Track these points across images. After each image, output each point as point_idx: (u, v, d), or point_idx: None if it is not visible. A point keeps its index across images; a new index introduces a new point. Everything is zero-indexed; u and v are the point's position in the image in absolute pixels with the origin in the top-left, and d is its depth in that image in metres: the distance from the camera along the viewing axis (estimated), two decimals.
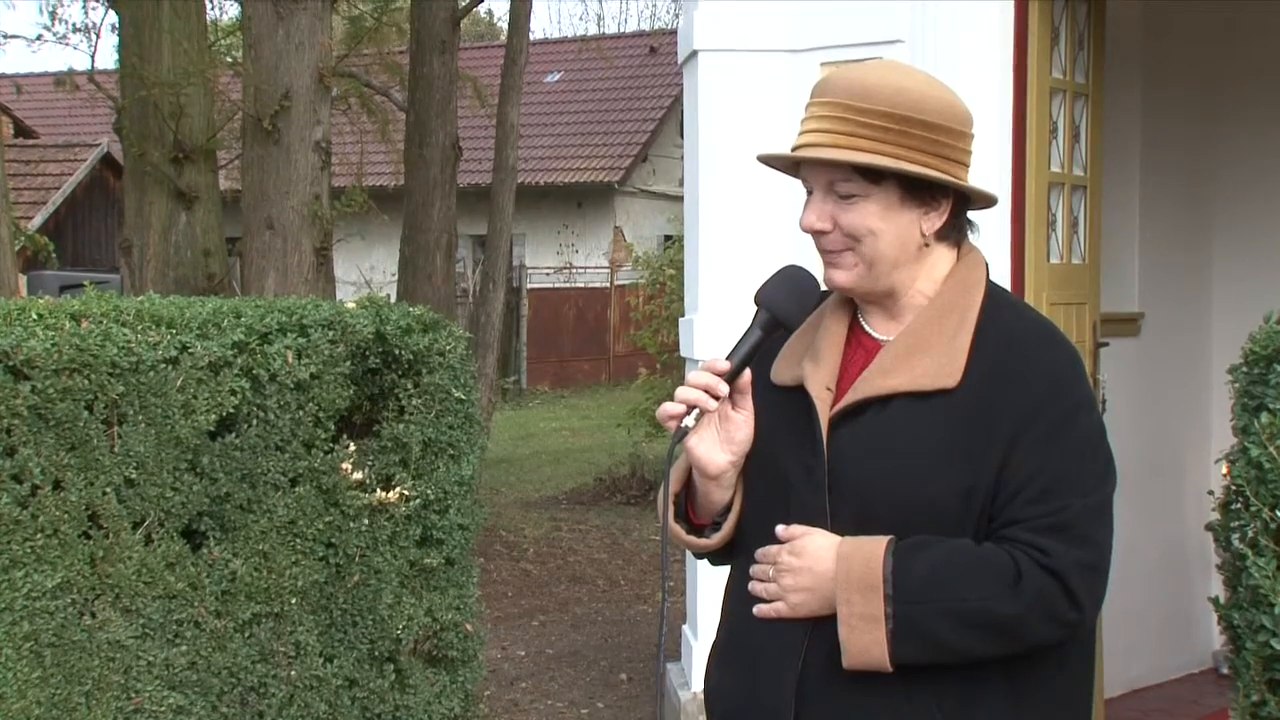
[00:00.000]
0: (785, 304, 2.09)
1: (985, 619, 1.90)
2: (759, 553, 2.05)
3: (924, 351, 2.01)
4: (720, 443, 2.08)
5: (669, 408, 2.03)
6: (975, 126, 2.09)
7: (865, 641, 1.91)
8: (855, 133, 2.00)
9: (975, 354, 1.99)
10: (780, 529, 2.02)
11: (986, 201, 2.10)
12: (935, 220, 2.04)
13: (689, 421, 2.05)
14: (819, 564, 1.97)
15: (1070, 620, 1.93)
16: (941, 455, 1.95)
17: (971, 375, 1.98)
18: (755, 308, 2.10)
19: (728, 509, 2.13)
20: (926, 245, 2.05)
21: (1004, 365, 1.99)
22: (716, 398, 2.02)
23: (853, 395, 2.03)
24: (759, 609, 2.03)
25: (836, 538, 1.98)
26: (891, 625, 1.91)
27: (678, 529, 2.14)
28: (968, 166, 2.06)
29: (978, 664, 1.95)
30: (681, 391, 2.03)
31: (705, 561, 2.24)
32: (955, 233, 2.09)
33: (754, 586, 2.04)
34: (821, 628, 1.98)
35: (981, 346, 2.00)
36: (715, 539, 2.14)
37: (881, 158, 1.99)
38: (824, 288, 2.15)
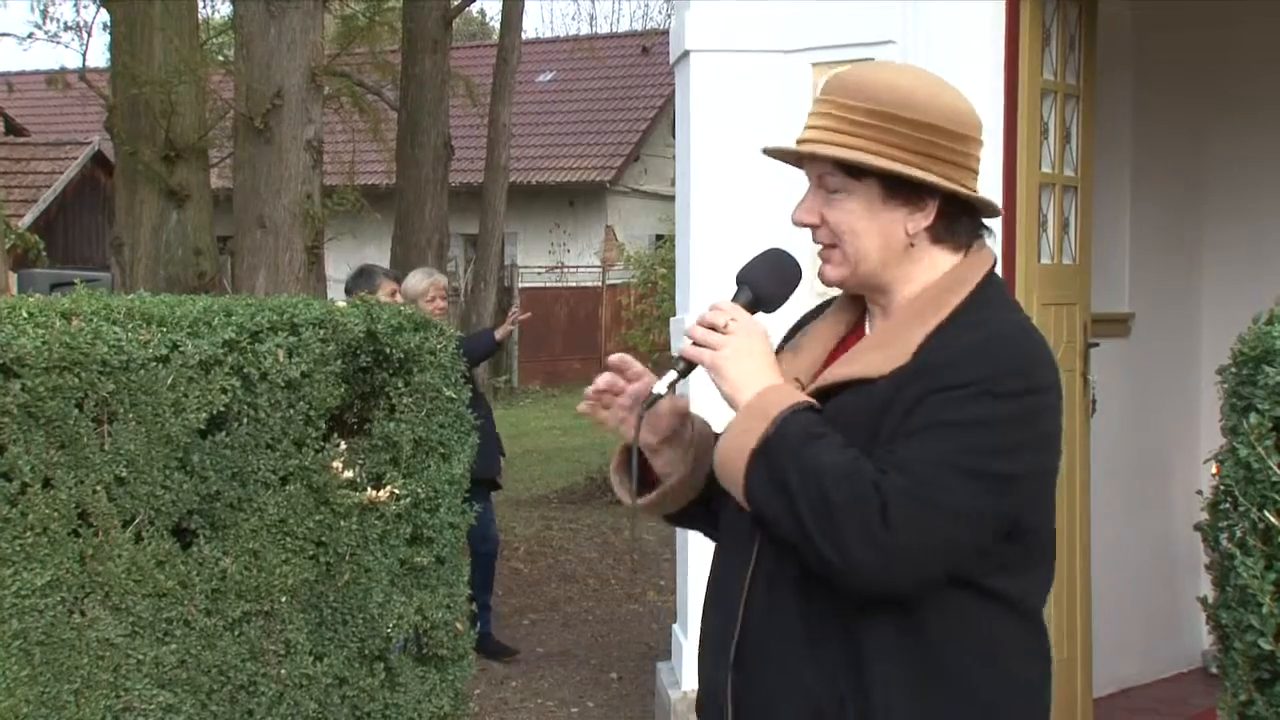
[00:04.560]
0: (766, 284, 2.10)
1: (817, 487, 1.90)
2: (721, 303, 2.06)
3: (886, 345, 2.00)
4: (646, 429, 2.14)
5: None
6: (981, 132, 2.06)
7: (734, 448, 1.97)
8: (838, 128, 2.01)
9: (926, 345, 1.97)
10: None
11: (984, 206, 2.07)
12: (920, 220, 2.02)
13: (660, 389, 2.07)
14: (750, 380, 2.00)
15: (877, 538, 1.87)
16: (865, 440, 1.95)
17: (909, 363, 1.97)
18: (736, 285, 2.11)
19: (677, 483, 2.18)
20: (912, 245, 2.03)
21: (940, 354, 1.95)
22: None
23: (818, 383, 2.05)
24: (689, 333, 2.04)
25: (766, 376, 2.00)
26: (758, 444, 1.95)
27: (625, 483, 2.18)
28: (969, 170, 2.04)
29: (888, 650, 1.95)
30: (698, 333, 2.04)
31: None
32: (952, 235, 2.06)
33: (695, 330, 2.04)
34: (753, 604, 2.04)
35: (937, 339, 1.98)
36: (641, 500, 2.20)
37: (853, 151, 1.99)
38: (806, 272, 2.14)
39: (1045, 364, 1.99)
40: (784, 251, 2.14)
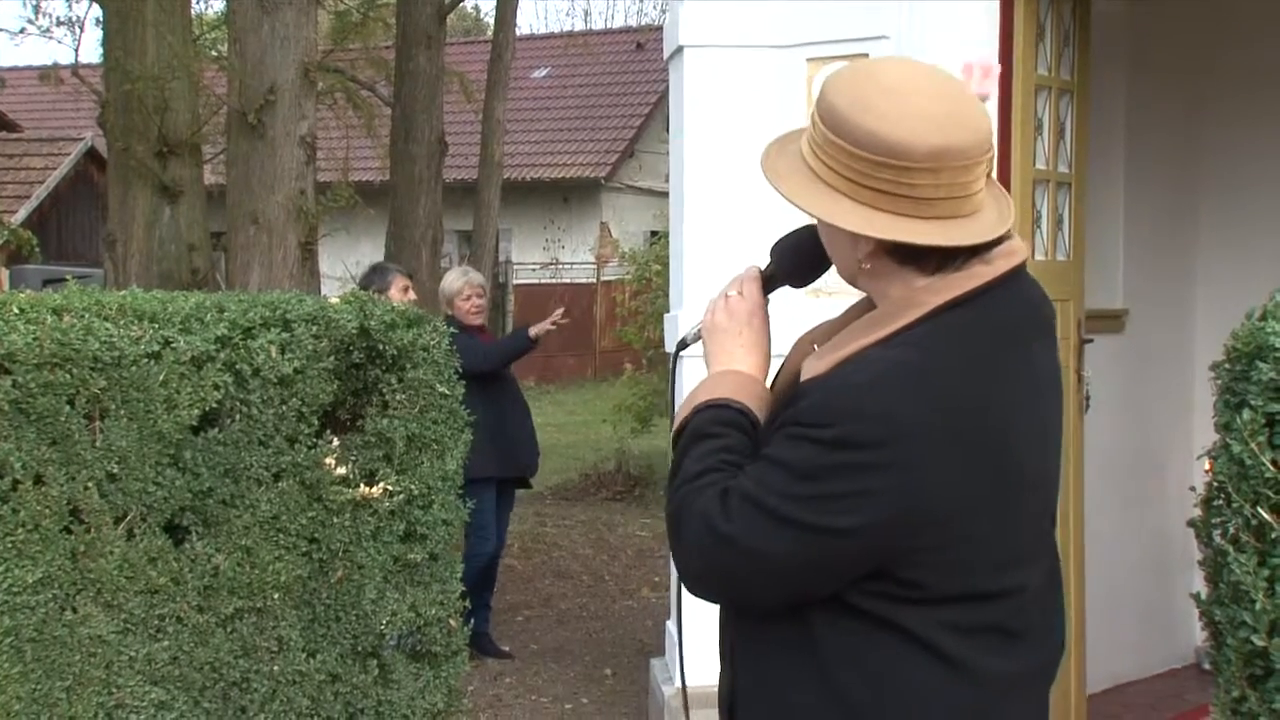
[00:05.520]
0: (785, 260, 2.12)
1: (671, 486, 1.98)
2: (746, 272, 2.15)
3: (833, 350, 1.96)
4: None
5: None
6: (932, 160, 1.85)
7: (679, 412, 2.07)
8: (809, 137, 1.97)
9: (840, 365, 1.91)
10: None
11: (897, 243, 1.91)
12: (864, 245, 1.93)
13: (688, 336, 2.19)
14: (717, 359, 2.07)
15: (679, 553, 1.94)
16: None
17: (818, 378, 1.93)
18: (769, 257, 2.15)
19: None
20: (865, 267, 1.95)
21: (816, 381, 1.91)
22: None
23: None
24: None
25: (747, 366, 2.06)
26: (676, 428, 2.05)
27: None
28: (916, 200, 1.87)
29: (765, 656, 1.97)
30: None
31: None
32: (915, 259, 1.92)
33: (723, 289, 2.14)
34: None
35: (845, 361, 1.91)
36: None
37: (799, 171, 1.95)
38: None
39: (890, 418, 1.82)
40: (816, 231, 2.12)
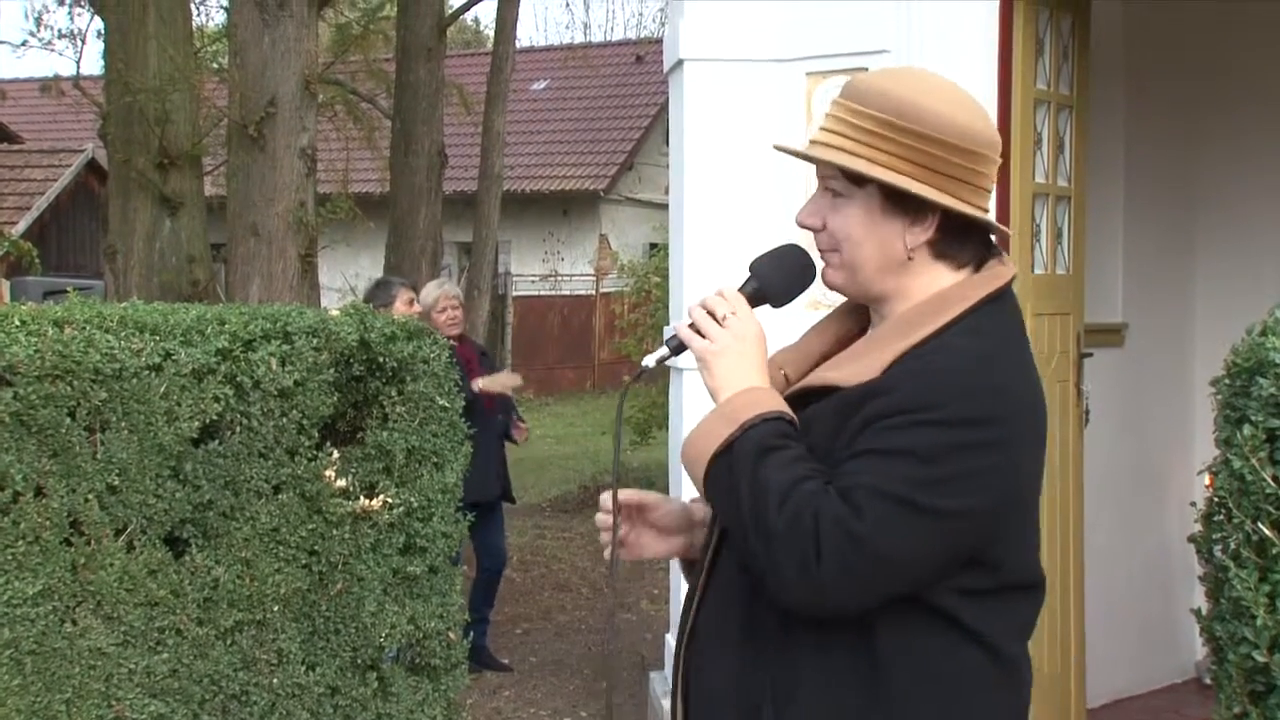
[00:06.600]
0: (772, 279, 2.10)
1: (761, 505, 1.88)
2: (726, 291, 2.06)
3: (864, 356, 1.98)
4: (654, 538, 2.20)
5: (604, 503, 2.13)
6: (990, 148, 2.00)
7: (700, 447, 1.96)
8: (843, 132, 1.99)
9: (898, 363, 1.93)
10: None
11: (986, 225, 2.02)
12: (919, 234, 1.98)
13: (649, 362, 2.11)
14: (733, 380, 1.99)
15: (809, 570, 1.84)
16: (830, 450, 1.93)
17: (876, 380, 1.94)
18: (748, 273, 2.12)
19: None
20: (910, 259, 2.00)
21: (896, 376, 1.92)
22: None
23: (798, 385, 2.05)
24: (690, 312, 2.05)
25: (750, 378, 1.99)
26: (720, 448, 1.94)
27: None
28: (978, 188, 1.98)
29: (824, 663, 1.93)
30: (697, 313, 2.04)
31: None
32: (955, 252, 2.01)
33: (695, 312, 2.04)
34: (708, 590, 2.07)
35: (908, 358, 1.93)
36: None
37: (853, 159, 1.96)
38: (819, 273, 2.11)
39: (994, 396, 1.90)
40: (801, 249, 2.12)
